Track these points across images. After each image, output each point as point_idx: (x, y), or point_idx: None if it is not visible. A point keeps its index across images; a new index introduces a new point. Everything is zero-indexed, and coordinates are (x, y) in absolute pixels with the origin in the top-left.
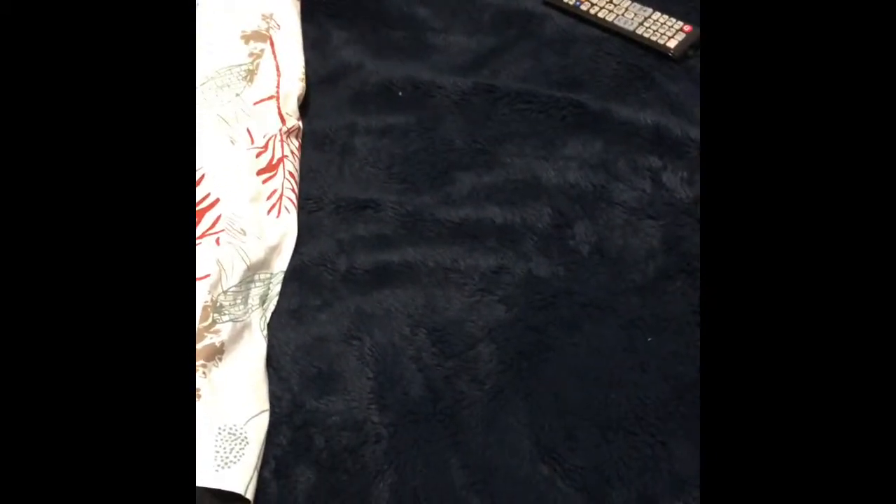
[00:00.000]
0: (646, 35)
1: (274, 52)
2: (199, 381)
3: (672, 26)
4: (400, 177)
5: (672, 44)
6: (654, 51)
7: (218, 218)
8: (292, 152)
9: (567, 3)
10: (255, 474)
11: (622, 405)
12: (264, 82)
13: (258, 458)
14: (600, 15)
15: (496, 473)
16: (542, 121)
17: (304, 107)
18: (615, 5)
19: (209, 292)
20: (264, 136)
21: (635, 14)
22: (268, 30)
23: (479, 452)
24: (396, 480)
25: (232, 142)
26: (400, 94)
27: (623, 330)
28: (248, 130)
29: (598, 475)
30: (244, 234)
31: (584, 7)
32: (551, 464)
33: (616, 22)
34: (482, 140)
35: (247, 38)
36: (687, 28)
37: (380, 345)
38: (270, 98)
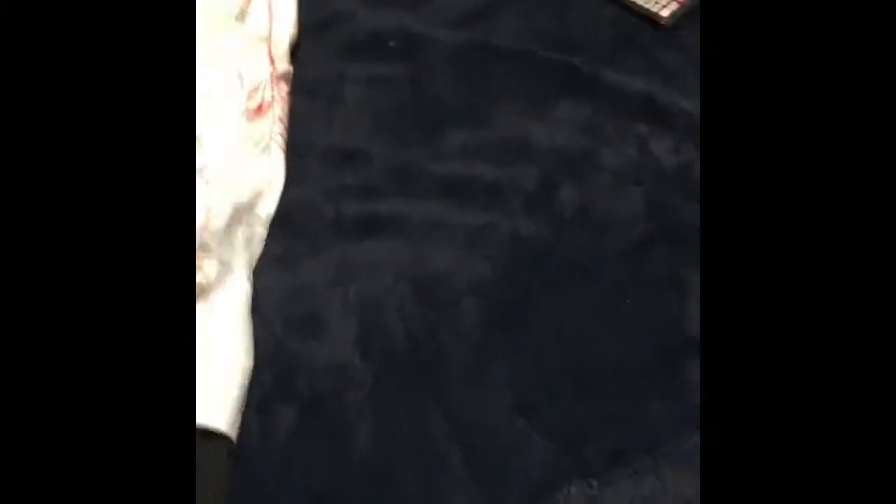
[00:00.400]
0: (640, 2)
1: None
2: None
3: None
4: (389, 128)
5: (665, 13)
6: (647, 19)
7: (206, 159)
8: (282, 97)
9: None
10: (238, 415)
11: (601, 365)
12: (256, 24)
13: (242, 399)
14: None
15: (475, 425)
16: (534, 81)
17: (294, 52)
18: None
19: (197, 233)
20: (254, 80)
21: None
22: None
23: (459, 404)
24: (377, 427)
25: (222, 83)
26: (391, 44)
27: (605, 292)
28: (238, 72)
29: (573, 430)
30: (232, 175)
31: None
32: (529, 417)
33: None
34: (473, 96)
35: None
36: None
37: (364, 293)
38: (262, 41)
